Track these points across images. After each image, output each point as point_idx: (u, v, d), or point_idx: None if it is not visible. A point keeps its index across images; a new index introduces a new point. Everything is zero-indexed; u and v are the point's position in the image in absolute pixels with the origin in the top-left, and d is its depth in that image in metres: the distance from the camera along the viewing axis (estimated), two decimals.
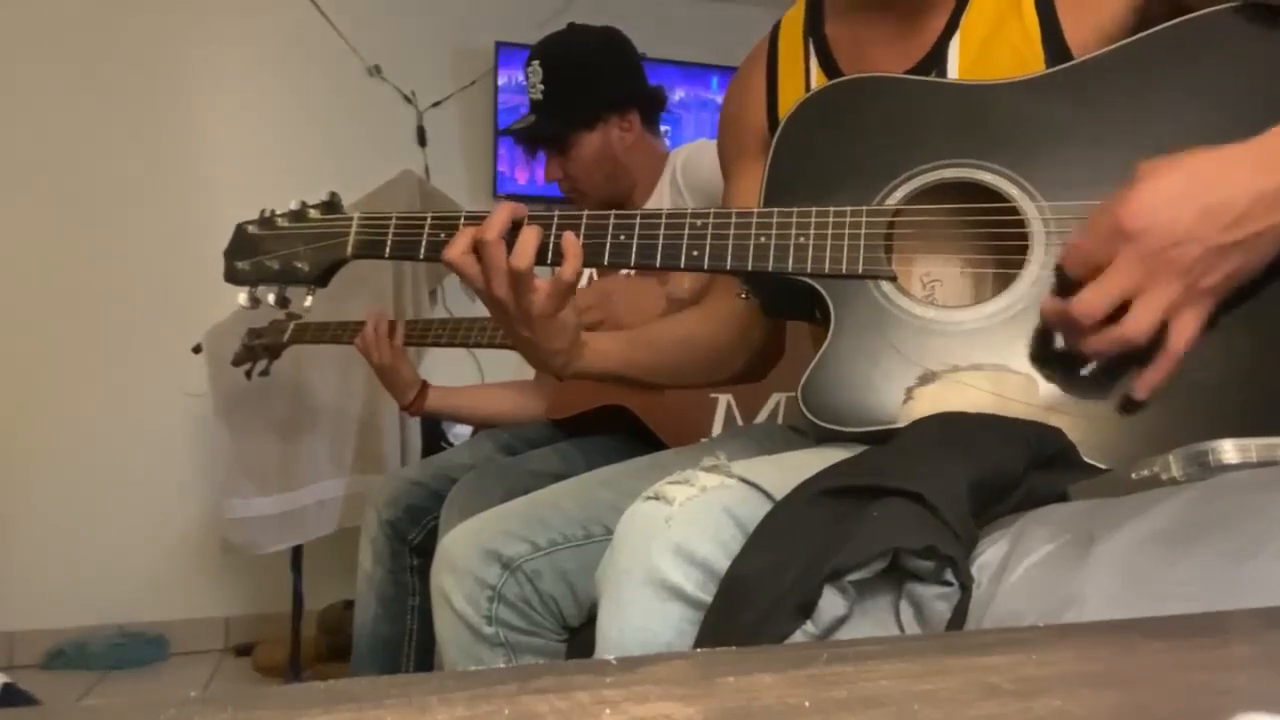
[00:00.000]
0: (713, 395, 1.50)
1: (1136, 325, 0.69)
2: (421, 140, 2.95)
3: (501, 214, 0.91)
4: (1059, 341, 0.76)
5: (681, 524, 0.69)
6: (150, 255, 2.71)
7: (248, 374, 1.95)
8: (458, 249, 0.91)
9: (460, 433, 2.38)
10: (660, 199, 1.73)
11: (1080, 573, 0.49)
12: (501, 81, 2.92)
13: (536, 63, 1.70)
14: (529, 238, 0.90)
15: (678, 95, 3.02)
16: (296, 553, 2.27)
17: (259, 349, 1.92)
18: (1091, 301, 0.70)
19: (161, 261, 2.70)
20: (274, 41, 2.86)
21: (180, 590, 2.73)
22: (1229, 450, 0.54)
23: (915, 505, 0.56)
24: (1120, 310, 0.69)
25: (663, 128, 2.96)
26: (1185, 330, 0.69)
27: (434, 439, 2.36)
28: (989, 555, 0.58)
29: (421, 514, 1.64)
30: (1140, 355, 0.72)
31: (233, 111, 2.81)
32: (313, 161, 2.77)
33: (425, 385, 1.74)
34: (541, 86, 1.69)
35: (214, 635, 2.74)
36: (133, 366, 2.68)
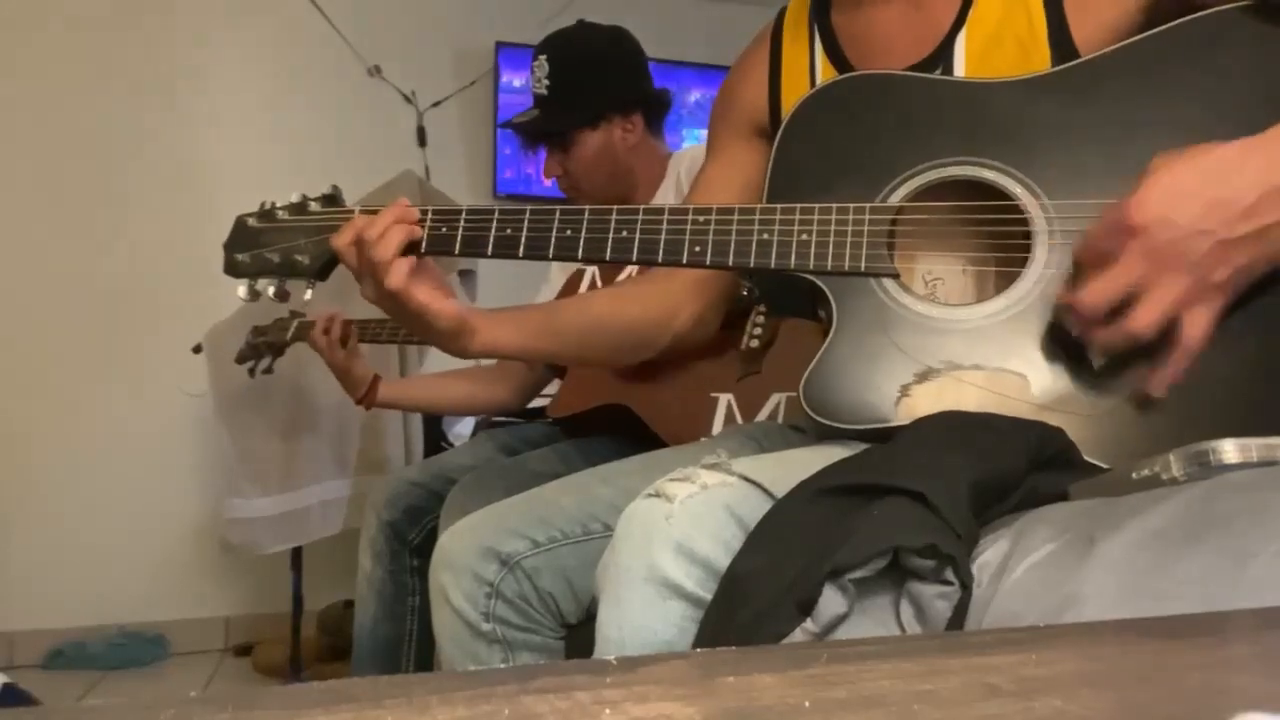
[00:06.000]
0: (713, 395, 1.50)
1: (1141, 320, 0.68)
2: (421, 140, 2.95)
3: (388, 214, 0.94)
4: (1060, 340, 0.76)
5: (682, 522, 0.69)
6: (150, 255, 2.71)
7: (251, 371, 1.95)
8: (344, 239, 0.94)
9: (460, 433, 2.37)
10: (663, 200, 1.72)
11: (1080, 572, 0.49)
12: (509, 82, 2.92)
13: (544, 57, 1.69)
14: (394, 235, 0.92)
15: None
16: (296, 553, 2.27)
17: (263, 346, 1.92)
18: (1094, 295, 0.70)
19: (161, 261, 2.70)
20: (274, 42, 2.86)
21: (180, 590, 2.73)
22: (1230, 450, 0.54)
23: (916, 504, 0.56)
24: (1130, 304, 0.69)
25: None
26: (1198, 325, 0.69)
27: (435, 439, 2.36)
28: (989, 554, 0.58)
29: (421, 514, 1.64)
30: (1147, 351, 0.71)
31: (233, 111, 2.81)
32: (313, 161, 2.77)
33: (376, 379, 1.74)
34: (547, 81, 1.68)
35: (214, 635, 2.75)
36: (133, 366, 2.68)
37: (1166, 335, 0.70)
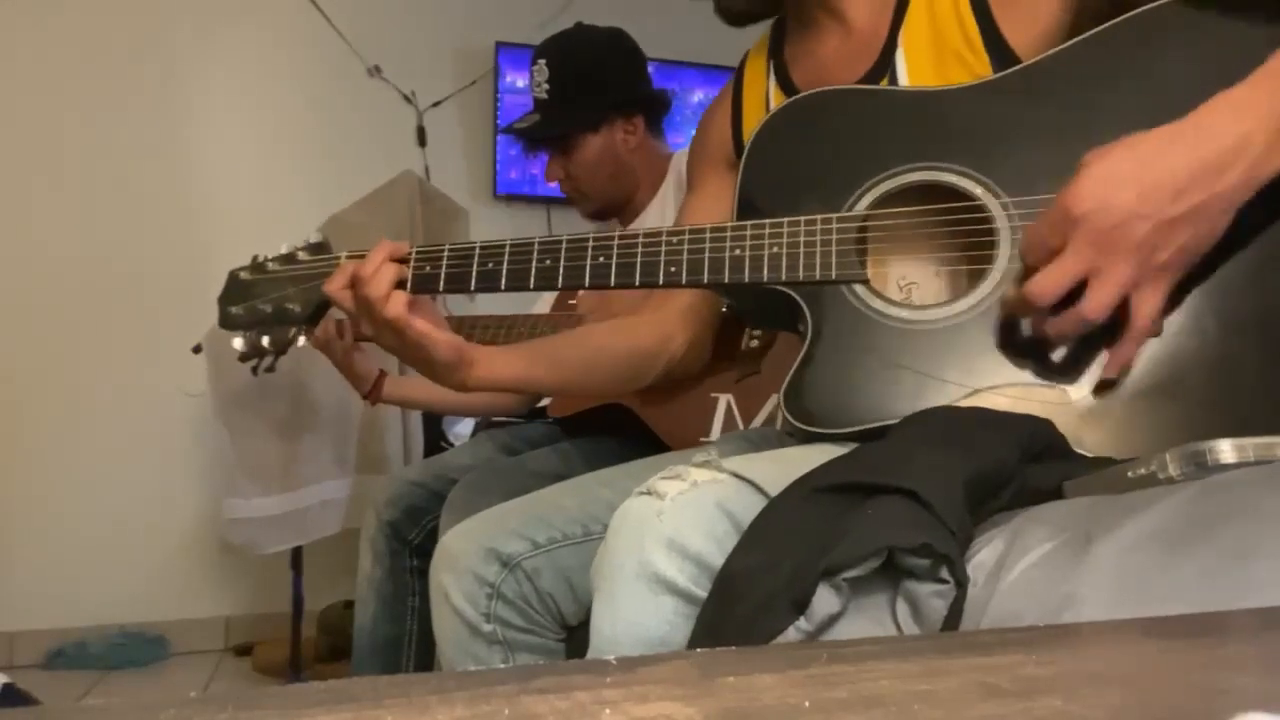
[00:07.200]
0: (713, 395, 1.50)
1: (1093, 304, 0.70)
2: (421, 140, 2.95)
3: (378, 253, 0.96)
4: (1028, 332, 0.77)
5: (673, 518, 0.70)
6: (150, 255, 2.71)
7: (254, 370, 1.95)
8: (337, 283, 0.97)
9: (460, 433, 2.37)
10: (664, 201, 1.73)
11: (1078, 573, 0.49)
12: (511, 82, 2.92)
13: (543, 61, 1.69)
14: (386, 272, 0.95)
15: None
16: (296, 553, 2.27)
17: (265, 346, 1.92)
18: (1044, 284, 0.71)
19: (161, 261, 2.70)
20: (274, 42, 2.86)
21: (180, 590, 2.73)
22: (1226, 449, 0.54)
23: (910, 503, 0.56)
24: (1080, 293, 0.71)
25: None
26: (1147, 306, 0.71)
27: (434, 439, 2.36)
28: (984, 555, 0.58)
29: (421, 514, 1.64)
30: (1110, 339, 0.73)
31: (233, 111, 2.81)
32: (313, 162, 2.77)
33: (382, 374, 1.74)
34: (547, 86, 1.69)
35: (214, 635, 2.75)
36: (133, 366, 2.68)
37: (1113, 317, 0.72)
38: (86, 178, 2.69)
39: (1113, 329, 0.73)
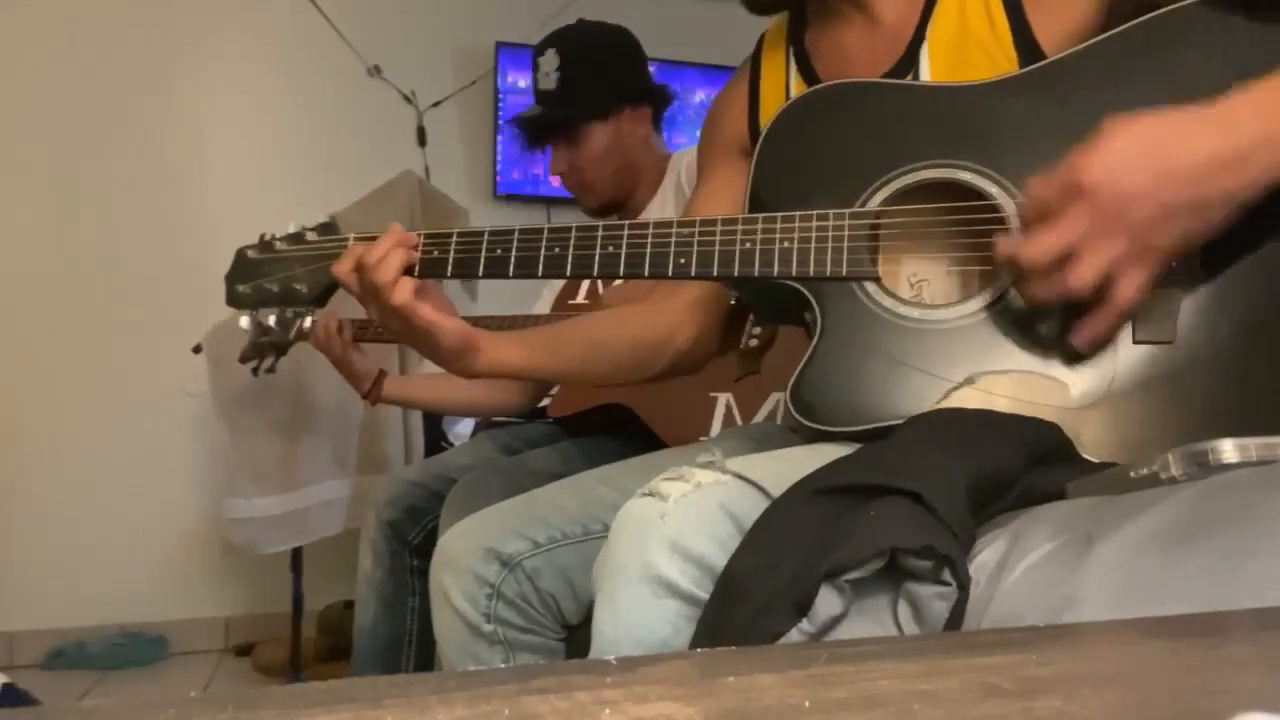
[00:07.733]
0: (712, 394, 1.50)
1: (1079, 275, 0.70)
2: (421, 140, 2.95)
3: (387, 239, 0.95)
4: (1040, 335, 0.77)
5: (676, 520, 0.69)
6: (150, 255, 2.71)
7: (255, 370, 1.95)
8: (345, 266, 0.96)
9: (460, 433, 2.37)
10: (664, 200, 1.73)
11: (1079, 573, 0.49)
12: (514, 83, 2.92)
13: (551, 51, 1.70)
14: (394, 258, 0.94)
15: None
16: (296, 553, 2.27)
17: (266, 346, 1.92)
18: (1037, 247, 0.71)
19: (162, 262, 2.70)
20: (274, 41, 2.86)
21: (180, 590, 2.73)
22: (1228, 450, 0.54)
23: (913, 504, 0.56)
24: (1068, 262, 0.70)
25: None
26: (1130, 286, 0.70)
27: (435, 439, 2.36)
28: (986, 555, 0.58)
29: (421, 514, 1.64)
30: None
31: (233, 111, 2.81)
32: (313, 161, 2.77)
33: (381, 374, 1.73)
34: (556, 74, 1.69)
35: (214, 635, 2.75)
36: (133, 366, 2.68)
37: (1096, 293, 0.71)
38: (87, 177, 2.69)
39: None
